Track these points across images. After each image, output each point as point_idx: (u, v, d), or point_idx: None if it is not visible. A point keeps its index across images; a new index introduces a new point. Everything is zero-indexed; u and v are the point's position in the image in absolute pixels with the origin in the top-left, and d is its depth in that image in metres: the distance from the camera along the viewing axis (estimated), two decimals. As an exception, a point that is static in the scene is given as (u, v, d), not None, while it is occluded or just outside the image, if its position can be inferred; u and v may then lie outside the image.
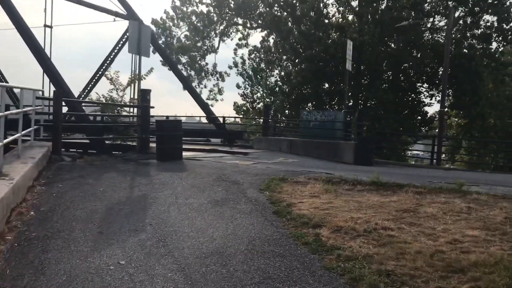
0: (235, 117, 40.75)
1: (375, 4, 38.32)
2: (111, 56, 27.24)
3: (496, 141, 39.59)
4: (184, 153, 15.07)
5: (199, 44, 42.28)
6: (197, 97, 22.07)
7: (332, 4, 39.67)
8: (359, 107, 39.28)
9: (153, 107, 13.58)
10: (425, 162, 28.59)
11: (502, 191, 8.85)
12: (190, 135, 22.10)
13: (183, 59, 41.73)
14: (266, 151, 18.45)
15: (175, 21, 40.76)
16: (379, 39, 37.87)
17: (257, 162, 14.26)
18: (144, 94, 13.10)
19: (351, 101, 40.65)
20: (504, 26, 37.92)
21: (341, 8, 40.25)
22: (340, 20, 40.43)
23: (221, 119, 22.07)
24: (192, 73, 43.04)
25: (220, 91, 43.99)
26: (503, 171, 27.13)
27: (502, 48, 40.05)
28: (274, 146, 19.01)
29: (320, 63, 37.63)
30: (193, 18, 40.79)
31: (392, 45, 39.12)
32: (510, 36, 38.32)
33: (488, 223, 6.33)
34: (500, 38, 38.60)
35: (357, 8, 39.38)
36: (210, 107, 44.47)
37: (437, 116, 45.87)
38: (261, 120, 37.77)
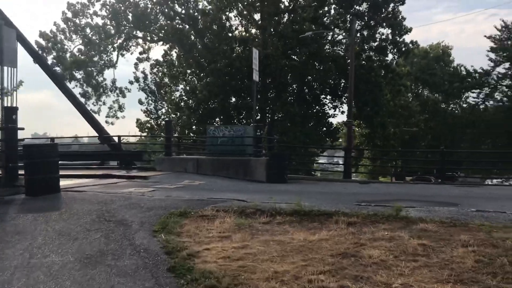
0: (134, 136, 37.69)
1: (277, 18, 37.46)
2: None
3: (395, 150, 40.45)
4: (67, 182, 12.32)
5: (95, 59, 38.71)
6: (86, 114, 19.06)
7: (235, 17, 38.18)
8: (267, 121, 38.12)
9: (22, 129, 10.73)
10: (335, 173, 27.73)
11: (443, 213, 7.34)
12: (81, 158, 19.07)
13: (78, 75, 37.91)
14: (169, 173, 16.06)
15: (67, 34, 36.92)
16: (283, 52, 37.03)
17: (157, 189, 11.88)
18: (9, 113, 10.24)
19: (259, 114, 39.37)
20: (398, 38, 38.78)
21: (244, 22, 38.92)
22: (244, 33, 39.09)
23: (116, 139, 19.24)
24: (89, 89, 39.28)
25: (120, 108, 40.58)
26: (407, 180, 26.97)
27: (396, 60, 41.06)
28: (179, 166, 16.69)
29: (226, 77, 35.94)
30: (88, 30, 37.26)
31: (296, 58, 38.49)
32: (403, 48, 39.23)
33: (458, 271, 4.61)
34: (395, 50, 39.42)
35: (260, 22, 38.28)
36: (110, 125, 41.09)
37: (341, 126, 46.17)
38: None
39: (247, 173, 15.87)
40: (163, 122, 39.91)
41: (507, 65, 27.59)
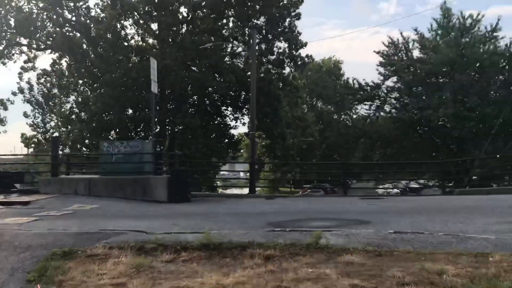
0: (13, 155, 33.62)
1: (175, 28, 36.13)
2: None
3: (299, 162, 41.00)
4: None
5: (-30, 67, 34.40)
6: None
7: (131, 26, 36.21)
8: (167, 133, 36.49)
9: None
10: (239, 186, 27.01)
11: (363, 238, 6.74)
12: None
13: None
14: (56, 196, 14.11)
15: None
16: (182, 63, 35.80)
17: (39, 217, 10.12)
18: None
19: (158, 127, 37.60)
20: (294, 52, 39.37)
21: (140, 31, 37.05)
22: (140, 43, 37.22)
23: None
24: (-35, 101, 34.81)
25: (2, 122, 36.46)
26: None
27: (293, 73, 41.74)
28: (68, 188, 14.76)
29: (122, 88, 33.79)
30: (-39, 36, 33.01)
31: (195, 69, 37.43)
32: (299, 62, 39.89)
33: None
34: (292, 64, 39.98)
35: (157, 32, 36.68)
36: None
37: (243, 138, 45.87)
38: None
39: (146, 193, 14.46)
40: (52, 137, 36.55)
41: (394, 78, 28.92)
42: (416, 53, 29.01)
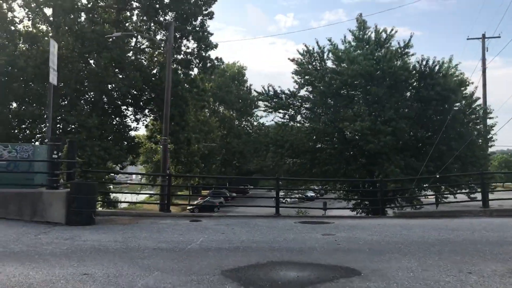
0: None
1: (72, 16, 31.64)
2: None
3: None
4: None
5: None
6: None
7: (20, 8, 31.05)
8: (57, 132, 31.78)
9: None
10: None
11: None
12: None
13: None
14: None
15: None
16: (80, 54, 31.45)
17: None
18: None
19: (45, 125, 32.70)
20: (203, 53, 36.92)
21: (31, 15, 31.93)
22: (31, 28, 32.11)
23: None
24: None
25: None
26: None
27: (202, 75, 39.21)
28: None
29: (5, 78, 28.62)
30: None
31: (94, 63, 33.21)
32: (208, 64, 37.53)
33: None
34: (201, 65, 37.45)
35: (52, 18, 31.90)
36: None
37: (145, 141, 42.13)
38: None
39: (37, 211, 11.06)
40: None
41: (309, 88, 27.80)
42: (329, 64, 28.14)
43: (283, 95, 27.81)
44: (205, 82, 40.97)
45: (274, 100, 28.02)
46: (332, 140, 27.47)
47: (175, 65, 37.05)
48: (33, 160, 11.61)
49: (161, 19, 36.25)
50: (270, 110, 28.36)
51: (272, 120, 30.22)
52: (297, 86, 28.23)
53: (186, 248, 8.06)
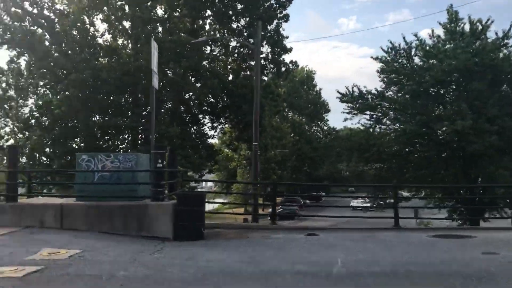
0: None
1: (150, 27, 31.66)
2: None
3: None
4: None
5: None
6: None
7: (102, 21, 31.46)
8: (139, 143, 31.86)
9: None
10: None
11: None
12: None
13: None
14: (14, 232, 9.57)
15: None
16: (158, 64, 31.28)
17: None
18: None
19: (129, 135, 32.90)
20: (277, 58, 35.80)
21: (111, 29, 32.31)
22: (111, 40, 32.49)
23: None
24: None
25: (-51, 126, 30.73)
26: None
27: (276, 80, 38.14)
28: (31, 217, 10.21)
29: (90, 90, 28.96)
30: None
31: (169, 73, 33.04)
32: (283, 68, 36.38)
33: None
34: (275, 70, 36.37)
35: (130, 31, 32.09)
36: None
37: (221, 149, 41.65)
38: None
39: (143, 226, 10.18)
40: (7, 144, 31.05)
41: (395, 87, 25.73)
42: (416, 61, 25.95)
43: (369, 96, 25.98)
44: (278, 87, 39.84)
45: (359, 101, 26.26)
46: (424, 143, 25.18)
47: (248, 72, 36.34)
48: (138, 170, 10.78)
49: (234, 26, 35.67)
50: (355, 112, 26.57)
51: (357, 123, 28.40)
52: (383, 86, 26.38)
53: (333, 272, 6.67)
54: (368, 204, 33.12)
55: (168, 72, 33.39)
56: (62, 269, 6.81)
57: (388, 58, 26.33)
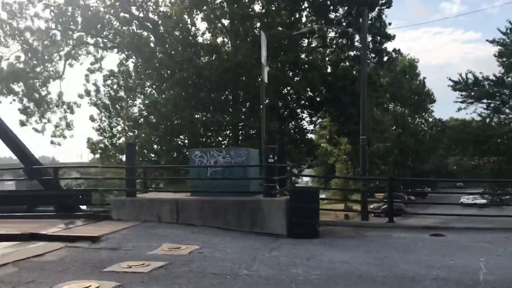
0: (77, 167, 30.29)
1: (248, 23, 31.92)
2: None
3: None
4: None
5: (38, 69, 31.67)
6: (8, 138, 12.42)
7: (203, 19, 32.33)
8: (239, 139, 32.36)
9: None
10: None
11: None
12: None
13: (17, 88, 30.75)
14: (134, 226, 9.89)
15: (2, 39, 29.79)
16: (258, 60, 31.43)
17: (117, 282, 5.80)
18: None
19: (229, 131, 33.54)
20: (379, 46, 34.21)
21: (211, 27, 33.09)
22: (212, 38, 33.28)
23: (51, 171, 12.49)
24: (31, 104, 32.13)
25: (69, 126, 33.61)
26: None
27: (377, 70, 36.41)
28: (149, 212, 10.53)
29: (193, 88, 29.92)
30: (28, 35, 30.28)
31: (269, 66, 33.02)
32: (385, 57, 34.71)
33: None
34: (376, 59, 34.77)
35: (229, 26, 32.62)
36: (57, 145, 33.94)
37: (322, 144, 41.00)
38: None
39: (256, 222, 9.98)
40: (119, 142, 33.22)
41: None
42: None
43: (486, 82, 23.69)
44: (380, 77, 38.07)
45: (475, 89, 24.07)
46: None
47: (347, 62, 35.22)
48: (250, 165, 10.61)
49: (332, 16, 34.75)
50: (470, 101, 24.40)
51: (471, 113, 26.11)
52: (502, 71, 23.91)
53: (479, 279, 5.83)
54: (484, 201, 30.37)
55: (266, 67, 33.49)
56: (185, 265, 6.75)
57: (507, 40, 23.82)
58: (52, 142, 33.62)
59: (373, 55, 34.53)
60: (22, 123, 32.08)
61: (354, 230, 10.79)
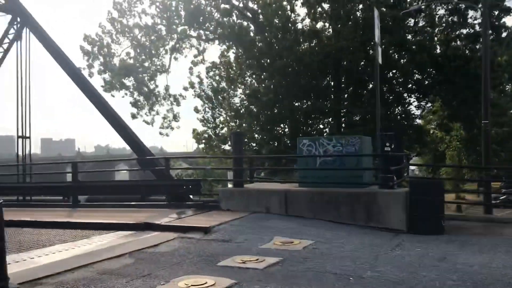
0: (187, 157, 31.29)
1: (350, 5, 30.53)
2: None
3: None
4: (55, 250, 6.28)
5: (146, 64, 33.30)
6: (122, 129, 12.87)
7: (302, 4, 31.58)
8: (342, 126, 31.31)
9: None
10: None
11: None
12: (115, 191, 13.01)
13: (128, 82, 32.61)
14: (243, 217, 9.68)
15: (114, 37, 31.71)
16: (361, 43, 30.05)
17: (234, 279, 5.50)
18: None
19: (331, 119, 32.57)
20: (495, 22, 30.83)
21: (311, 12, 32.20)
22: (311, 24, 32.42)
23: (163, 162, 12.77)
24: (141, 98, 33.94)
25: (175, 117, 35.01)
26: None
27: (495, 48, 32.95)
28: (257, 203, 10.27)
29: (293, 76, 29.43)
30: (136, 31, 31.88)
31: (370, 50, 31.37)
32: (504, 33, 31.25)
33: None
34: (493, 36, 31.37)
35: (330, 11, 31.48)
36: (165, 136, 35.54)
37: (429, 130, 38.33)
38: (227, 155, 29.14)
39: (371, 216, 9.23)
40: (221, 132, 33.90)
41: None
42: None
43: None
44: (498, 55, 34.44)
45: None
46: None
47: (458, 42, 32.32)
48: (363, 155, 9.85)
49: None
50: None
51: None
52: None
53: None
54: None
55: (370, 50, 31.88)
56: (301, 263, 6.27)
57: None
58: (160, 133, 35.31)
59: (489, 31, 31.22)
60: (133, 116, 34.03)
61: (485, 226, 9.57)
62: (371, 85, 32.38)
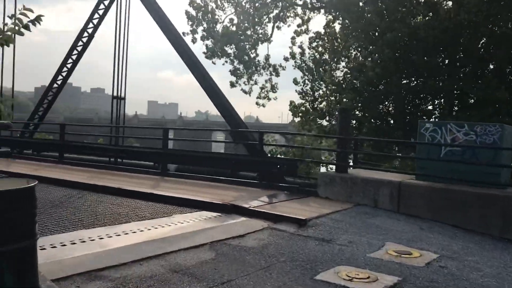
0: (285, 133, 29.58)
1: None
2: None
3: None
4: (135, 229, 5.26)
5: (249, 32, 32.25)
6: (217, 98, 11.78)
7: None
8: (454, 109, 27.98)
9: None
10: None
11: None
12: (205, 163, 12.05)
13: (229, 50, 31.90)
14: (346, 210, 8.13)
15: (219, 2, 30.92)
16: (486, 17, 26.16)
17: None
18: None
19: (442, 100, 29.22)
20: None
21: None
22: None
23: (256, 136, 11.47)
24: (241, 66, 33.15)
25: (273, 88, 33.84)
26: None
27: None
28: (362, 194, 8.65)
29: (404, 51, 26.58)
30: (241, -2, 30.83)
31: (495, 27, 27.23)
32: None
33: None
34: None
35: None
36: (261, 107, 34.59)
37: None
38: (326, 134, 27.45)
39: (509, 225, 7.15)
40: (320, 106, 32.06)
41: None
42: None
43: None
44: None
45: None
46: None
47: None
48: (498, 148, 7.72)
49: None
50: None
51: None
52: None
53: None
54: None
55: (494, 27, 27.77)
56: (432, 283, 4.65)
57: None
58: (257, 103, 34.43)
59: None
60: (232, 84, 33.43)
61: None
62: (491, 65, 28.40)
